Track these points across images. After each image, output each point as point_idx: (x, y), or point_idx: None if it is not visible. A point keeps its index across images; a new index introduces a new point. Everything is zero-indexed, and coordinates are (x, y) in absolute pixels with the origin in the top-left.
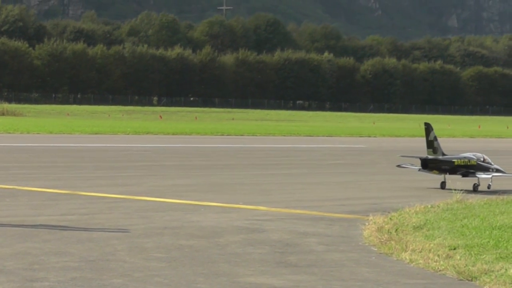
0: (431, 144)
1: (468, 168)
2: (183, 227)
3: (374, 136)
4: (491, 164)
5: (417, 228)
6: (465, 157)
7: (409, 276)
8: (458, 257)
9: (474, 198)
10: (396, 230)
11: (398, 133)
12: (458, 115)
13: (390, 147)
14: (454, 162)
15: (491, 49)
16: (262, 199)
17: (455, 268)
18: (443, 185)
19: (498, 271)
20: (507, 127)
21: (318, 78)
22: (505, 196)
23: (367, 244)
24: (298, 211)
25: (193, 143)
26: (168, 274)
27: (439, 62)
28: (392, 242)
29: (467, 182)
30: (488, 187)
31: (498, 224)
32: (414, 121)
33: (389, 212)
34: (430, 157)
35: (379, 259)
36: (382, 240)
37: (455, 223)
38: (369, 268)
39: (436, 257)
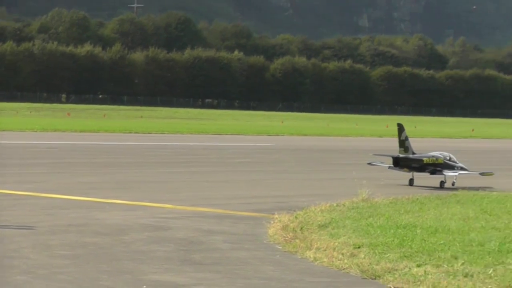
0: (403, 144)
1: (435, 166)
2: (88, 225)
3: (282, 135)
4: (456, 162)
5: (322, 226)
6: (433, 156)
7: (313, 275)
8: (363, 256)
9: (380, 197)
10: (301, 228)
11: (306, 132)
12: (366, 115)
13: (298, 145)
14: (423, 160)
15: (401, 49)
16: (169, 197)
17: (359, 266)
18: (411, 182)
19: (401, 269)
20: (415, 127)
21: (228, 76)
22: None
23: (272, 243)
24: (204, 209)
25: (101, 141)
26: (72, 271)
27: (349, 61)
28: (297, 241)
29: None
30: (453, 184)
31: (402, 223)
32: (323, 120)
33: (294, 211)
34: (401, 155)
35: (284, 257)
36: (287, 238)
37: (360, 221)
38: (273, 266)
39: (340, 256)
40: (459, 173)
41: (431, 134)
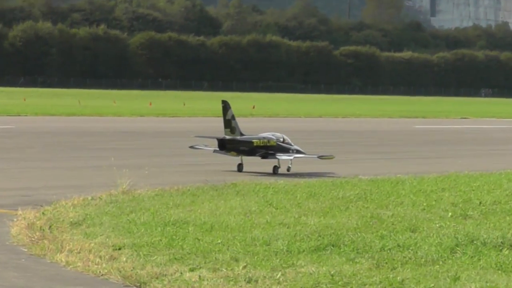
0: (229, 124)
1: (267, 149)
2: None
3: (25, 115)
4: (291, 144)
5: (75, 224)
6: (264, 138)
7: (65, 282)
8: (124, 259)
9: (144, 188)
10: (50, 227)
11: (53, 111)
12: (126, 90)
13: (44, 128)
14: (253, 142)
15: (165, 12)
16: None
17: (120, 271)
18: (240, 168)
19: (172, 275)
20: (184, 104)
21: None
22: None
23: (15, 244)
24: None
25: None
26: None
27: (102, 26)
28: (45, 242)
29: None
30: (288, 170)
31: (171, 219)
32: (73, 97)
33: (41, 206)
34: (227, 137)
35: (30, 262)
36: (33, 239)
37: (121, 218)
38: (18, 272)
39: (97, 259)
40: (295, 157)
41: (202, 113)
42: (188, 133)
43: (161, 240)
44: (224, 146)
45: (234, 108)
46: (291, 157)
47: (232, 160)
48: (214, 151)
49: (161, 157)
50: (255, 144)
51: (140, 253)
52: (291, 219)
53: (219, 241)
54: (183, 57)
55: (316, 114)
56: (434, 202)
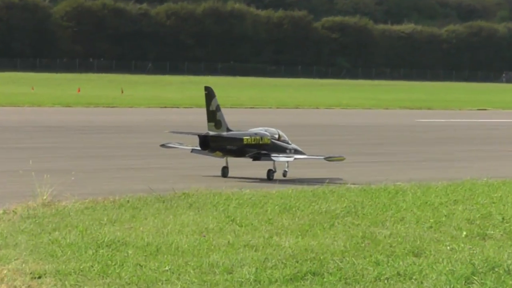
0: (213, 116)
1: (260, 149)
2: None
3: None
4: (288, 142)
5: None
6: (256, 134)
7: None
8: None
9: (70, 199)
10: None
11: None
12: (47, 72)
13: None
14: (243, 140)
15: None
16: None
17: None
18: (225, 172)
19: None
20: (122, 91)
21: None
22: (126, 198)
23: None
24: None
25: None
26: None
27: None
28: None
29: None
30: (284, 174)
31: (105, 240)
32: None
33: None
34: (211, 133)
35: None
36: None
37: (41, 237)
38: None
39: None
40: (295, 158)
41: (145, 103)
42: (129, 128)
43: (92, 266)
44: (208, 144)
45: (183, 97)
46: (290, 159)
47: (206, 161)
48: (193, 150)
49: (92, 159)
50: (245, 142)
51: (66, 282)
52: (260, 240)
53: (166, 268)
54: (121, 30)
55: (291, 104)
56: (444, 218)
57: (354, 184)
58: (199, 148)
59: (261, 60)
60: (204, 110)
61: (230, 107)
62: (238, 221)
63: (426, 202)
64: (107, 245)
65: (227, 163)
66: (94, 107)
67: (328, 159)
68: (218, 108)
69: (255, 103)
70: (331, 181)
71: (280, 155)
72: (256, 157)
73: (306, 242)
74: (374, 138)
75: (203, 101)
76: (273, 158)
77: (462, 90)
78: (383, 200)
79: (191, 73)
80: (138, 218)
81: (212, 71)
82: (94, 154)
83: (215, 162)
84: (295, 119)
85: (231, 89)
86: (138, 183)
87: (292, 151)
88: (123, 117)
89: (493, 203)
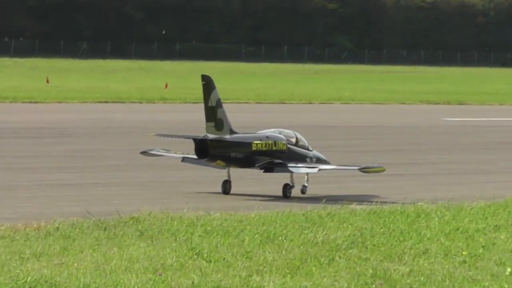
0: (213, 114)
1: (273, 157)
2: None
3: None
4: (308, 148)
5: None
6: (268, 137)
7: None
8: None
9: None
10: None
11: None
12: None
13: None
14: (252, 145)
15: None
16: None
17: None
18: (226, 188)
19: None
20: (47, 80)
21: None
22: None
23: None
24: None
25: None
26: None
27: None
28: None
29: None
30: (303, 191)
31: (28, 280)
32: None
33: None
34: (211, 136)
35: None
36: None
37: None
38: None
39: None
40: (320, 169)
41: (79, 96)
42: (58, 130)
43: None
44: (206, 151)
45: (129, 88)
46: (314, 170)
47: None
48: (184, 159)
49: (6, 173)
50: (254, 149)
51: None
52: (235, 280)
53: None
54: (45, 1)
55: (275, 97)
56: (481, 250)
57: (360, 203)
58: (193, 157)
59: (234, 39)
60: (177, 107)
61: (192, 102)
62: (205, 255)
63: (458, 229)
64: (30, 287)
65: (229, 176)
66: (10, 103)
67: (364, 170)
68: (219, 104)
69: (226, 96)
70: (331, 199)
71: (300, 165)
72: (268, 168)
73: (297, 283)
74: (387, 143)
75: (157, 93)
76: (291, 169)
77: (503, 79)
78: (400, 226)
79: (141, 57)
80: (71, 251)
81: (168, 54)
82: (9, 165)
83: (206, 173)
84: (279, 117)
85: (193, 78)
86: (72, 204)
87: (314, 159)
88: (49, 116)
89: None
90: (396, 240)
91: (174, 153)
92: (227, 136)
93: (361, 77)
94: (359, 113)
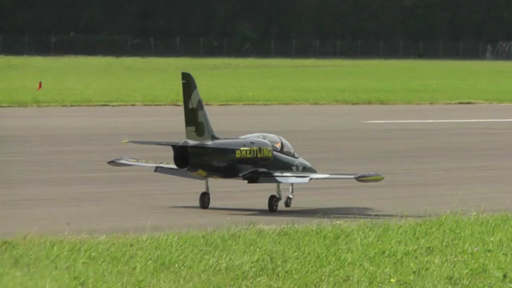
0: (193, 117)
1: (257, 165)
2: None
3: None
4: (294, 155)
5: None
6: (253, 143)
7: None
8: None
9: None
10: None
11: None
12: None
13: None
14: (235, 152)
15: None
16: None
17: None
18: (204, 201)
19: None
20: None
21: None
22: None
23: None
24: None
25: None
26: None
27: None
28: None
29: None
30: (287, 203)
31: None
32: None
33: None
34: (192, 142)
35: None
36: None
37: None
38: None
39: None
40: (311, 179)
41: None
42: None
43: None
44: (187, 159)
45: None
46: (305, 180)
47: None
48: (157, 169)
49: None
50: (238, 156)
51: None
52: None
53: None
54: None
55: (165, 98)
56: (411, 277)
57: (269, 225)
58: (168, 166)
59: (118, 29)
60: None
61: (71, 105)
62: (90, 285)
63: (384, 252)
64: None
65: (208, 188)
66: None
67: (360, 179)
68: (200, 106)
69: (109, 97)
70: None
71: (288, 174)
72: (252, 178)
73: None
74: (296, 150)
75: (30, 94)
76: (278, 179)
77: (434, 73)
78: (316, 250)
79: (6, 52)
80: None
81: (41, 49)
82: None
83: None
84: (171, 123)
85: (71, 77)
86: None
87: (300, 168)
88: None
89: (489, 251)
90: (312, 266)
91: (146, 162)
92: (209, 142)
93: (266, 73)
94: (264, 116)
